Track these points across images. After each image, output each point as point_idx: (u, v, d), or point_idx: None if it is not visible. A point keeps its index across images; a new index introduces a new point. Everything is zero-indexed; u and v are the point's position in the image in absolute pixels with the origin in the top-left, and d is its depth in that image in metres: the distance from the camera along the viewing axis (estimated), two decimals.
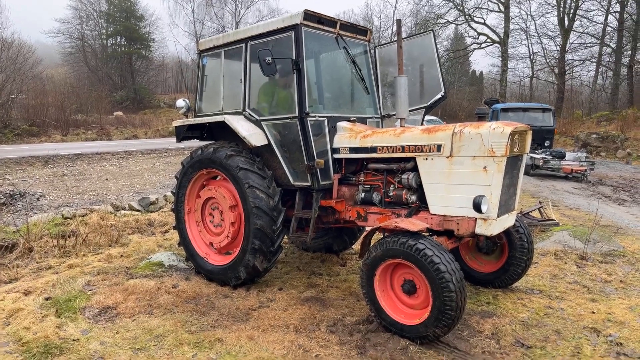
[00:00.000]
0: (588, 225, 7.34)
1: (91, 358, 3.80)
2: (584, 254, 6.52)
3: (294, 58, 4.83)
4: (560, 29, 37.40)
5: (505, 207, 4.29)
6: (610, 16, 35.40)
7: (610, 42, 36.01)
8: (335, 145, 5.07)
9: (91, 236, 7.30)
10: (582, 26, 37.42)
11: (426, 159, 4.40)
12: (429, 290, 3.79)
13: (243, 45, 5.39)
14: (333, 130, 5.14)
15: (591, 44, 37.27)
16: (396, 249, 3.89)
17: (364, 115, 5.72)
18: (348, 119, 5.25)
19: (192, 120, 5.92)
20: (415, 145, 4.46)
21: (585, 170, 15.02)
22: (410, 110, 5.40)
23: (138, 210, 9.26)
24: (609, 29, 35.75)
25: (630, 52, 34.92)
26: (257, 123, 5.27)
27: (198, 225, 5.86)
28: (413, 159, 4.55)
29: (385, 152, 4.74)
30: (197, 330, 4.32)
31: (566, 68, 37.95)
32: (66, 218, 8.24)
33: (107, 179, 14.65)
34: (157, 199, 9.78)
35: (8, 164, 16.91)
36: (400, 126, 5.05)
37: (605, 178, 15.66)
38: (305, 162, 4.91)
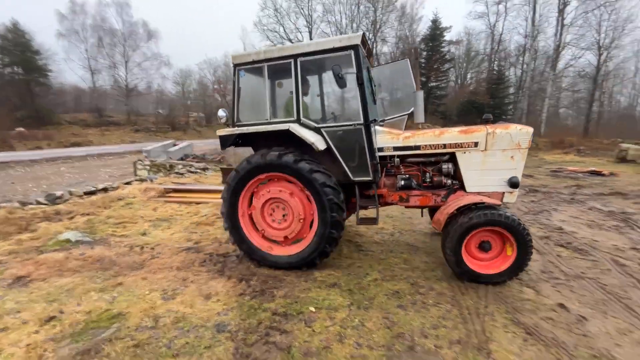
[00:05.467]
0: None
1: (8, 314, 3.17)
2: None
3: (356, 74, 3.74)
4: None
5: None
6: None
7: None
8: (379, 145, 4.11)
9: (0, 227, 5.80)
10: None
11: (464, 152, 3.89)
12: (514, 246, 3.48)
13: (292, 60, 3.92)
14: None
15: None
16: (496, 220, 3.42)
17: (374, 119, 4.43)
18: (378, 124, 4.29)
19: (250, 129, 4.06)
20: (456, 143, 3.91)
21: None
22: (400, 116, 4.72)
23: (45, 204, 7.56)
24: None
25: None
26: (317, 130, 4.01)
27: (257, 223, 4.29)
28: (452, 153, 3.99)
29: (428, 149, 4.04)
30: (102, 281, 3.87)
31: None
32: None
33: (13, 183, 11.49)
34: (63, 194, 8.11)
35: None
36: (420, 128, 4.42)
37: None
38: (370, 161, 3.93)
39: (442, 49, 36.72)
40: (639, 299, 3.39)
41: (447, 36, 36.98)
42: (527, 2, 31.30)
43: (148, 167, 12.83)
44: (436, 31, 35.95)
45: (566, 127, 32.99)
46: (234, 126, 4.27)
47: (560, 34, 29.55)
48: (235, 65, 4.18)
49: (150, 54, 41.76)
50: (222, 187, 8.88)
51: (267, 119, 4.14)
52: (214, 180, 11.04)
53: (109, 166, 16.17)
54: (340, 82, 3.59)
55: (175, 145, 19.13)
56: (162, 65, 44.30)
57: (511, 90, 37.08)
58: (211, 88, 51.26)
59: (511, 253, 3.56)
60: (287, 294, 3.52)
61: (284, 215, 4.16)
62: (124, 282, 3.85)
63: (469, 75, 42.84)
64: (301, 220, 4.08)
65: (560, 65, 31.51)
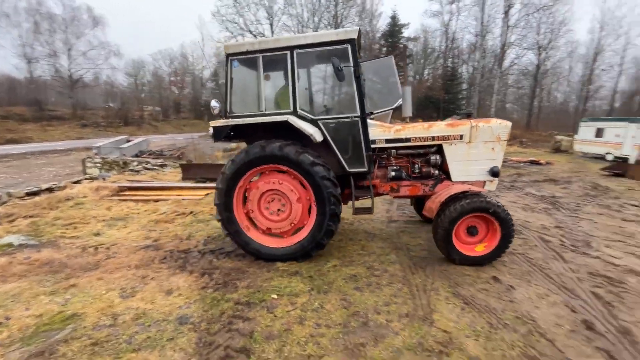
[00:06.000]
0: None
1: None
2: None
3: (353, 67, 3.82)
4: None
5: None
6: None
7: None
8: (371, 138, 4.15)
9: None
10: None
11: (451, 144, 4.15)
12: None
13: (288, 52, 3.92)
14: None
15: None
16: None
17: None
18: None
19: (246, 120, 4.00)
20: (443, 136, 4.15)
21: None
22: (384, 111, 4.79)
23: None
24: None
25: None
26: (313, 122, 4.05)
27: (250, 201, 4.20)
28: (439, 145, 4.21)
29: (418, 142, 4.22)
30: (52, 284, 3.69)
31: None
32: None
33: None
34: (0, 196, 7.43)
35: None
36: (405, 122, 4.49)
37: None
38: (365, 152, 4.04)
39: (400, 45, 37.99)
40: (557, 268, 3.96)
41: (405, 33, 38.35)
42: (477, 2, 33.34)
43: (99, 165, 12.05)
44: (395, 27, 37.09)
45: (512, 121, 35.89)
46: (226, 117, 4.19)
47: (506, 34, 31.92)
48: (228, 55, 4.09)
49: (96, 42, 38.70)
50: (182, 184, 8.65)
51: (261, 111, 4.12)
52: (173, 177, 10.68)
53: (53, 165, 14.91)
54: (339, 74, 3.64)
55: (128, 141, 18.08)
56: (111, 55, 41.18)
57: (464, 86, 39.44)
58: (167, 80, 48.70)
59: (480, 250, 3.90)
60: (249, 284, 3.63)
61: (278, 210, 4.18)
62: (78, 283, 3.71)
63: (426, 72, 44.82)
64: (292, 224, 4.16)
65: (506, 63, 34.09)
